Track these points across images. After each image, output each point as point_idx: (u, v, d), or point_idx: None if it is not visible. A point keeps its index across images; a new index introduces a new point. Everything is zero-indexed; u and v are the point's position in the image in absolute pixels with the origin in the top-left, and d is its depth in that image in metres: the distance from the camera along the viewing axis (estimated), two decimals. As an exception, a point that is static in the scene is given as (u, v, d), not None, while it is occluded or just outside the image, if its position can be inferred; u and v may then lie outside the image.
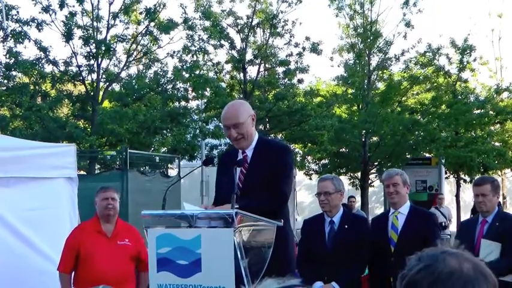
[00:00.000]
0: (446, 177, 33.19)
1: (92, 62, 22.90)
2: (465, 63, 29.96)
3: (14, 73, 22.65)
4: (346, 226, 7.44)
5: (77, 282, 7.75)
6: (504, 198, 36.72)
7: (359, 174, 30.22)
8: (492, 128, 32.01)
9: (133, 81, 24.40)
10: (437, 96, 29.78)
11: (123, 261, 7.73)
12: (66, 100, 23.79)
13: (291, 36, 26.51)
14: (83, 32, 22.53)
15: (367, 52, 29.50)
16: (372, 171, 30.62)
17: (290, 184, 6.20)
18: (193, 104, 26.17)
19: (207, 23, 24.83)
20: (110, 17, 22.88)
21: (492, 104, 30.38)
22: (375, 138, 29.99)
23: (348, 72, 29.71)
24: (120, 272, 7.63)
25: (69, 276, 7.83)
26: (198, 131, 24.27)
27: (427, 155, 31.06)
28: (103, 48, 22.44)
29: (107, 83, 23.76)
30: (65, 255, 7.80)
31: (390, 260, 7.26)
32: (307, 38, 26.49)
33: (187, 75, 23.74)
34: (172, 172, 22.24)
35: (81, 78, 23.17)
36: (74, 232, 8.04)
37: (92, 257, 7.65)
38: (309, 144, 29.15)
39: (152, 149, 24.29)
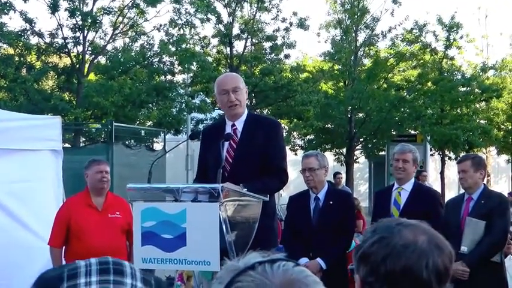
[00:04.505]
0: (431, 155, 33.34)
1: (77, 34, 22.80)
2: (452, 41, 30.01)
3: (-2, 44, 22.55)
4: (331, 202, 7.44)
5: (68, 256, 7.67)
6: (488, 176, 36.87)
7: (344, 150, 30.32)
8: (477, 105, 32.15)
9: (119, 54, 24.31)
10: (424, 73, 29.87)
11: (114, 234, 7.66)
12: (51, 72, 23.71)
13: (278, 11, 26.50)
14: (69, 4, 22.37)
15: (354, 28, 29.51)
16: (358, 147, 30.73)
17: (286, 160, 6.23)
18: (179, 78, 26.13)
19: (194, -3, 24.72)
20: (97, -11, 22.76)
21: (478, 81, 30.53)
22: (360, 115, 30.07)
23: (335, 48, 29.75)
24: (112, 245, 7.55)
25: (60, 251, 7.76)
26: (183, 105, 24.23)
27: (413, 132, 31.17)
28: (89, 20, 22.32)
29: (93, 56, 23.67)
30: (56, 230, 7.71)
31: None
32: (295, 13, 26.47)
33: (173, 49, 23.66)
34: (158, 146, 22.18)
35: (66, 50, 23.07)
36: (64, 206, 7.95)
37: (83, 231, 7.57)
38: (295, 120, 29.17)
39: (138, 122, 24.23)
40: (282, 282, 1.62)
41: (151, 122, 24.41)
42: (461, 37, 30.77)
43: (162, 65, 24.41)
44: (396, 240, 2.25)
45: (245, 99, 6.06)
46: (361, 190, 38.05)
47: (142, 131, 22.78)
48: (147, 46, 24.33)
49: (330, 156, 30.51)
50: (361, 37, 29.92)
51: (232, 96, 5.91)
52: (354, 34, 29.61)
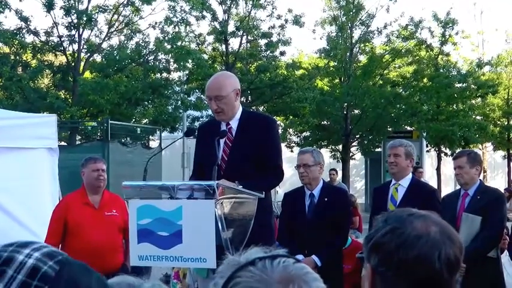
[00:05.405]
0: (428, 151, 33.35)
1: (73, 32, 22.79)
2: (447, 37, 30.04)
3: (-6, 43, 22.52)
4: (326, 199, 7.41)
5: (65, 254, 7.63)
6: (485, 172, 36.91)
7: (340, 147, 30.32)
8: (473, 101, 32.17)
9: (115, 52, 24.29)
10: (419, 69, 29.88)
11: (111, 232, 7.64)
12: (47, 70, 23.69)
13: (273, 8, 26.47)
14: (64, 2, 22.36)
15: (349, 25, 29.50)
16: (353, 144, 30.73)
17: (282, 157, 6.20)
18: (174, 75, 26.11)
19: (189, -6, 24.69)
20: (92, -13, 22.75)
21: (474, 77, 30.52)
22: (356, 111, 30.05)
23: (330, 44, 29.71)
24: (108, 242, 7.54)
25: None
26: (179, 102, 24.25)
27: (409, 128, 31.17)
28: (84, 18, 22.29)
29: (88, 54, 23.66)
30: (52, 228, 7.67)
31: None
32: (290, 10, 26.46)
33: (169, 47, 23.64)
34: (154, 144, 22.19)
35: (62, 48, 23.05)
36: (61, 204, 7.92)
37: (80, 229, 7.53)
38: (291, 117, 29.18)
39: (133, 120, 24.23)
40: (281, 279, 1.63)
41: (147, 119, 24.41)
42: (456, 33, 30.82)
43: (157, 63, 24.43)
44: (409, 231, 2.25)
45: (233, 102, 5.89)
46: (358, 187, 38.02)
47: (138, 129, 22.80)
48: (143, 44, 24.32)
49: (326, 153, 30.54)
50: (357, 34, 29.95)
51: (214, 104, 5.86)
52: (349, 31, 29.61)
